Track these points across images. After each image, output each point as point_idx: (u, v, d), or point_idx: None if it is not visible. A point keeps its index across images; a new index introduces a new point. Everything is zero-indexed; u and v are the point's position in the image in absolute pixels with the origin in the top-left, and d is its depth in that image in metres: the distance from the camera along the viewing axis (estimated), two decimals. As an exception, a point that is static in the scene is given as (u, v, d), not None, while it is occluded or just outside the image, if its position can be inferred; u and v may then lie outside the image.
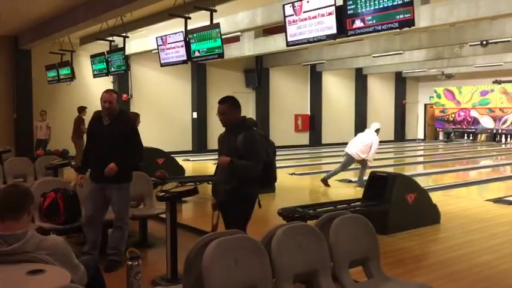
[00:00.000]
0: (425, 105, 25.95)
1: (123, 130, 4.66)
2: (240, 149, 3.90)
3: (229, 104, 4.12)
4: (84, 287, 2.60)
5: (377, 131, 9.35)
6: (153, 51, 11.71)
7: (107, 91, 4.76)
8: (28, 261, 2.43)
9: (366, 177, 7.75)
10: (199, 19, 8.94)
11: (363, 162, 9.32)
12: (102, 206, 4.68)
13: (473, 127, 23.84)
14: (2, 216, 2.51)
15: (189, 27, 8.99)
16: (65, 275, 2.41)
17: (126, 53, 11.69)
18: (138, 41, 13.51)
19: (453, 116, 24.32)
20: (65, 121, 14.85)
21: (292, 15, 6.92)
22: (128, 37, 11.19)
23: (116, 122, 4.68)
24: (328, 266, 3.09)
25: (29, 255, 2.44)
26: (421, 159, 18.40)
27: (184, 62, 9.37)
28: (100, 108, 4.78)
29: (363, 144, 9.24)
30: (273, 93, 20.02)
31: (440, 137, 25.24)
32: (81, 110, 12.80)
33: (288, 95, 20.67)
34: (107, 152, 4.56)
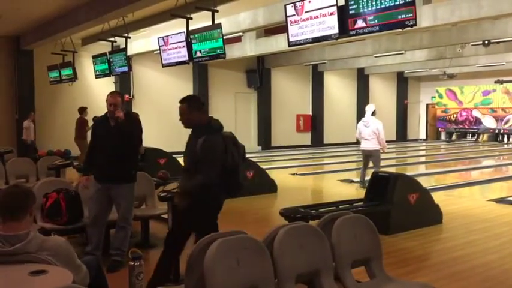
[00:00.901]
0: (427, 105, 25.92)
1: (129, 131, 4.66)
2: (197, 154, 3.72)
3: (188, 104, 3.87)
4: (86, 287, 2.60)
5: (373, 113, 8.94)
6: (155, 52, 11.73)
7: (112, 94, 4.76)
8: (30, 262, 2.44)
9: (367, 177, 7.75)
10: (200, 19, 8.95)
11: (375, 157, 8.94)
12: (106, 207, 4.69)
13: (475, 127, 23.81)
14: (3, 216, 2.52)
15: (190, 28, 9.00)
16: (67, 275, 2.41)
17: (128, 54, 11.71)
18: (140, 42, 13.53)
19: (455, 116, 24.29)
20: (67, 122, 14.86)
21: (294, 15, 6.92)
22: (129, 38, 11.21)
23: (121, 124, 4.68)
24: (330, 266, 3.09)
25: (31, 256, 2.45)
26: (423, 159, 18.37)
27: (186, 62, 9.38)
28: (102, 109, 4.78)
29: (374, 135, 8.80)
30: (274, 94, 20.03)
31: (442, 137, 25.20)
32: (82, 110, 12.67)
33: (290, 95, 20.67)
34: (113, 153, 4.57)
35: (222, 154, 3.73)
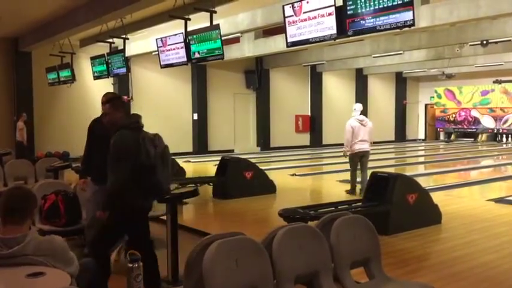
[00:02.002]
0: (426, 105, 25.94)
1: None
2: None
3: (112, 104, 3.78)
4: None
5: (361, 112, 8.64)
6: (153, 53, 11.72)
7: (106, 95, 4.74)
8: (28, 264, 2.43)
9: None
10: (199, 20, 8.94)
11: (367, 157, 8.65)
12: None
13: (474, 127, 23.82)
14: (4, 219, 2.51)
15: (189, 29, 8.99)
16: (65, 277, 2.40)
17: (127, 55, 11.70)
18: (138, 43, 13.52)
19: (454, 116, 24.31)
20: (66, 123, 14.89)
21: (292, 15, 6.92)
22: (128, 39, 11.20)
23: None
24: (329, 267, 3.08)
25: (28, 258, 2.44)
26: (422, 159, 18.38)
27: (184, 63, 9.37)
28: (100, 110, 4.75)
29: (369, 134, 8.56)
30: (273, 94, 20.03)
31: (441, 137, 25.22)
32: None
33: (289, 96, 20.67)
34: None
35: (133, 152, 3.53)
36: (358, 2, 5.95)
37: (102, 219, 3.58)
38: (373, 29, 5.91)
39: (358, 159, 8.57)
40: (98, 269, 3.08)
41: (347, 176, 10.19)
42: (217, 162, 9.11)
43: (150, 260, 3.67)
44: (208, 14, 8.50)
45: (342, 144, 8.96)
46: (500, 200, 8.08)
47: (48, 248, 2.51)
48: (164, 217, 4.63)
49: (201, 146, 17.93)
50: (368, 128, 8.57)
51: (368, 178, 6.75)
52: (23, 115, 13.65)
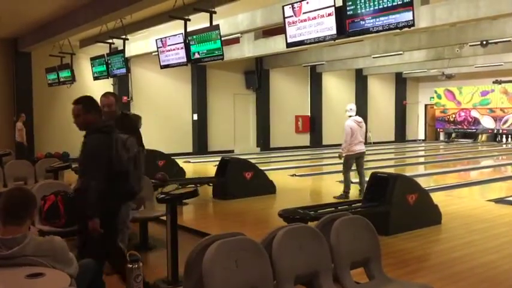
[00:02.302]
0: (426, 105, 25.94)
1: (125, 133, 4.63)
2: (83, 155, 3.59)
3: (84, 105, 3.71)
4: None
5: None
6: (153, 54, 11.72)
7: (105, 95, 4.73)
8: (28, 265, 2.43)
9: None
10: (199, 21, 8.94)
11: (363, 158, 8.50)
12: None
13: (473, 127, 23.82)
14: (4, 220, 2.51)
15: (188, 29, 8.99)
16: (65, 278, 2.40)
17: (126, 55, 11.70)
18: (138, 43, 13.52)
19: (454, 116, 24.31)
20: (65, 124, 14.82)
21: (292, 16, 6.92)
22: (127, 39, 11.20)
23: (118, 126, 4.66)
24: (329, 267, 3.08)
25: (28, 259, 2.44)
26: (422, 159, 18.38)
27: (184, 64, 9.37)
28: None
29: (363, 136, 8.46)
30: (273, 95, 20.03)
31: (441, 138, 25.22)
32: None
33: (289, 96, 20.67)
34: None
35: (107, 155, 3.52)
36: (358, 2, 5.95)
37: (98, 229, 3.50)
38: (372, 30, 5.91)
39: (353, 160, 8.38)
40: (97, 269, 3.07)
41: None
42: (217, 163, 9.11)
43: (120, 260, 3.59)
44: (208, 14, 8.50)
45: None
46: (500, 201, 8.08)
47: (48, 248, 2.50)
48: (164, 217, 4.63)
49: (201, 146, 17.93)
50: (363, 128, 8.50)
51: (368, 178, 6.73)
52: (22, 116, 13.65)
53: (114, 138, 3.61)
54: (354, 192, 8.46)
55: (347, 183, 8.32)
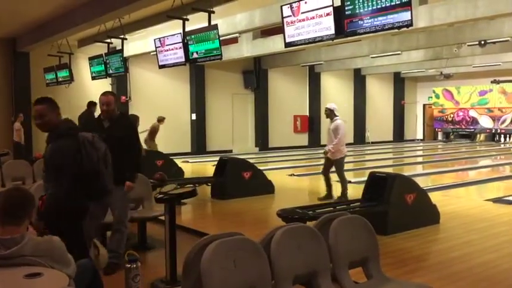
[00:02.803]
0: (424, 105, 25.97)
1: (123, 133, 4.63)
2: (47, 161, 3.47)
3: (48, 105, 3.53)
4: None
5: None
6: (152, 53, 11.72)
7: (104, 93, 4.74)
8: (26, 265, 2.42)
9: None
10: (197, 21, 8.94)
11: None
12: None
13: (472, 127, 23.86)
14: (3, 220, 2.50)
15: (187, 29, 8.99)
16: (63, 278, 2.40)
17: (125, 55, 11.70)
18: (137, 43, 13.51)
19: (452, 116, 24.34)
20: (64, 124, 14.79)
21: (290, 16, 6.92)
22: (126, 39, 11.20)
23: (116, 125, 4.66)
24: (327, 267, 3.08)
25: (26, 259, 2.44)
26: (420, 159, 18.39)
27: (182, 63, 9.36)
28: (98, 111, 4.76)
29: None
30: (271, 95, 20.04)
31: (439, 137, 25.25)
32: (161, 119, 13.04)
33: (287, 96, 20.68)
34: None
35: (74, 159, 3.42)
36: (356, 2, 5.96)
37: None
38: (371, 30, 5.92)
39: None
40: (95, 269, 3.07)
41: (346, 176, 10.15)
42: (216, 163, 9.10)
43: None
44: (207, 14, 8.50)
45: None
46: (498, 200, 8.09)
47: (46, 248, 2.50)
48: (162, 217, 4.63)
49: (199, 146, 17.92)
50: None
51: (366, 178, 6.73)
52: (20, 116, 13.62)
53: (81, 139, 3.50)
54: (354, 192, 8.45)
55: (345, 184, 8.26)
